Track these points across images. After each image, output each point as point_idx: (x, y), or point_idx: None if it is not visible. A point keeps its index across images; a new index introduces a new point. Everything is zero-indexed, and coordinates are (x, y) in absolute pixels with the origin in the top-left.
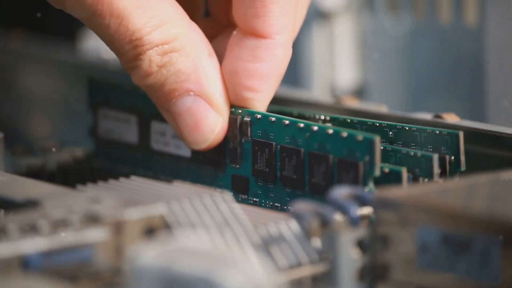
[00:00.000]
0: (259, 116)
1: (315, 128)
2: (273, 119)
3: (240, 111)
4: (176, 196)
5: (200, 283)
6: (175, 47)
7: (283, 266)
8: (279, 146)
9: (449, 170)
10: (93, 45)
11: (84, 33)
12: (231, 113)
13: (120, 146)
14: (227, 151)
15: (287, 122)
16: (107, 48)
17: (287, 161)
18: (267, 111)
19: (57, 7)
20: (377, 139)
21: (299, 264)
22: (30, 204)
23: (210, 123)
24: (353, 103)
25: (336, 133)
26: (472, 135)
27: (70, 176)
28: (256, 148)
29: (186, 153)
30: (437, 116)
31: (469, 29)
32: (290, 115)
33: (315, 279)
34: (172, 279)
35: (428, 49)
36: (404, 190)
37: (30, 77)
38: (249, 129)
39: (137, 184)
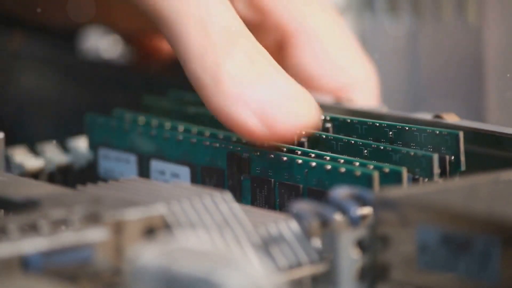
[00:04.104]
0: (257, 153)
1: (313, 164)
2: (271, 155)
3: (239, 148)
4: (176, 196)
5: (200, 283)
6: None
7: (283, 266)
8: (277, 183)
9: (449, 170)
10: (93, 45)
11: (84, 33)
12: (230, 149)
13: None
14: (226, 188)
15: (285, 158)
16: (107, 48)
17: (286, 198)
18: None
19: None
20: (375, 174)
21: (299, 264)
22: (30, 204)
23: None
24: (353, 103)
25: (334, 168)
26: (472, 135)
27: (70, 176)
28: (255, 185)
29: None
30: (437, 116)
31: (470, 29)
32: None
33: (315, 279)
34: (172, 279)
35: (428, 49)
36: (404, 190)
37: (30, 77)
38: (247, 166)
39: (137, 184)
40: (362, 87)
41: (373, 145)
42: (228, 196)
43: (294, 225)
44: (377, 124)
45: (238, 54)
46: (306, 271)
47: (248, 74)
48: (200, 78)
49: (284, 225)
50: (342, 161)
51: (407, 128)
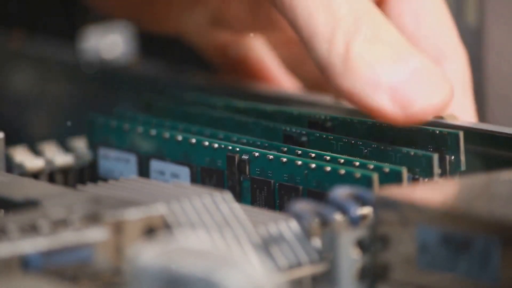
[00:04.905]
0: (257, 154)
1: (313, 165)
2: (271, 157)
3: (238, 149)
4: (176, 196)
5: (200, 283)
6: None
7: (283, 266)
8: (277, 184)
9: (449, 170)
10: (93, 45)
11: (84, 33)
12: (229, 151)
13: None
14: (226, 189)
15: (284, 159)
16: (108, 48)
17: (286, 199)
18: (270, 111)
19: None
20: (375, 176)
21: (299, 264)
22: (30, 204)
23: None
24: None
25: (334, 170)
26: (472, 135)
27: (70, 176)
28: (254, 186)
29: None
30: (437, 117)
31: (470, 29)
32: (291, 114)
33: (315, 279)
34: (172, 279)
35: None
36: (404, 190)
37: (30, 77)
38: (247, 167)
39: (137, 184)
40: (455, 59)
41: (373, 145)
42: (228, 196)
43: (294, 225)
44: (377, 124)
45: (367, 33)
46: (306, 271)
47: (379, 54)
48: (328, 60)
49: (284, 225)
50: (342, 161)
51: (407, 127)
